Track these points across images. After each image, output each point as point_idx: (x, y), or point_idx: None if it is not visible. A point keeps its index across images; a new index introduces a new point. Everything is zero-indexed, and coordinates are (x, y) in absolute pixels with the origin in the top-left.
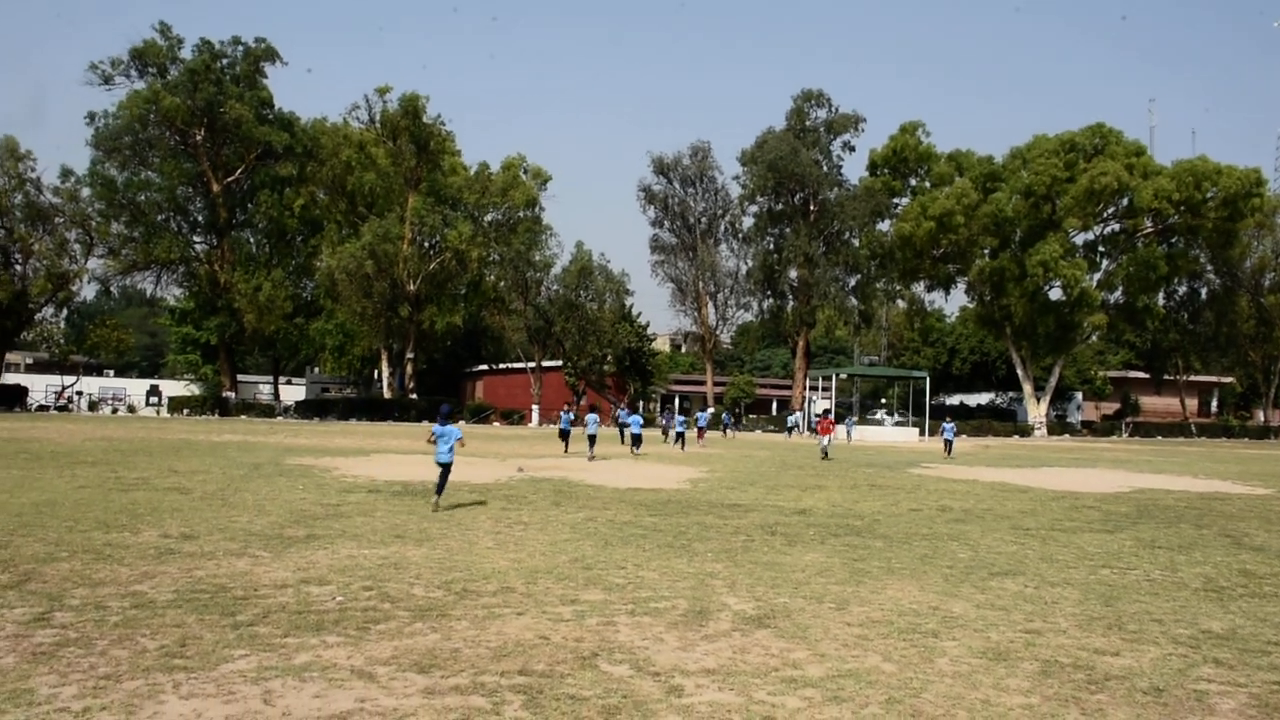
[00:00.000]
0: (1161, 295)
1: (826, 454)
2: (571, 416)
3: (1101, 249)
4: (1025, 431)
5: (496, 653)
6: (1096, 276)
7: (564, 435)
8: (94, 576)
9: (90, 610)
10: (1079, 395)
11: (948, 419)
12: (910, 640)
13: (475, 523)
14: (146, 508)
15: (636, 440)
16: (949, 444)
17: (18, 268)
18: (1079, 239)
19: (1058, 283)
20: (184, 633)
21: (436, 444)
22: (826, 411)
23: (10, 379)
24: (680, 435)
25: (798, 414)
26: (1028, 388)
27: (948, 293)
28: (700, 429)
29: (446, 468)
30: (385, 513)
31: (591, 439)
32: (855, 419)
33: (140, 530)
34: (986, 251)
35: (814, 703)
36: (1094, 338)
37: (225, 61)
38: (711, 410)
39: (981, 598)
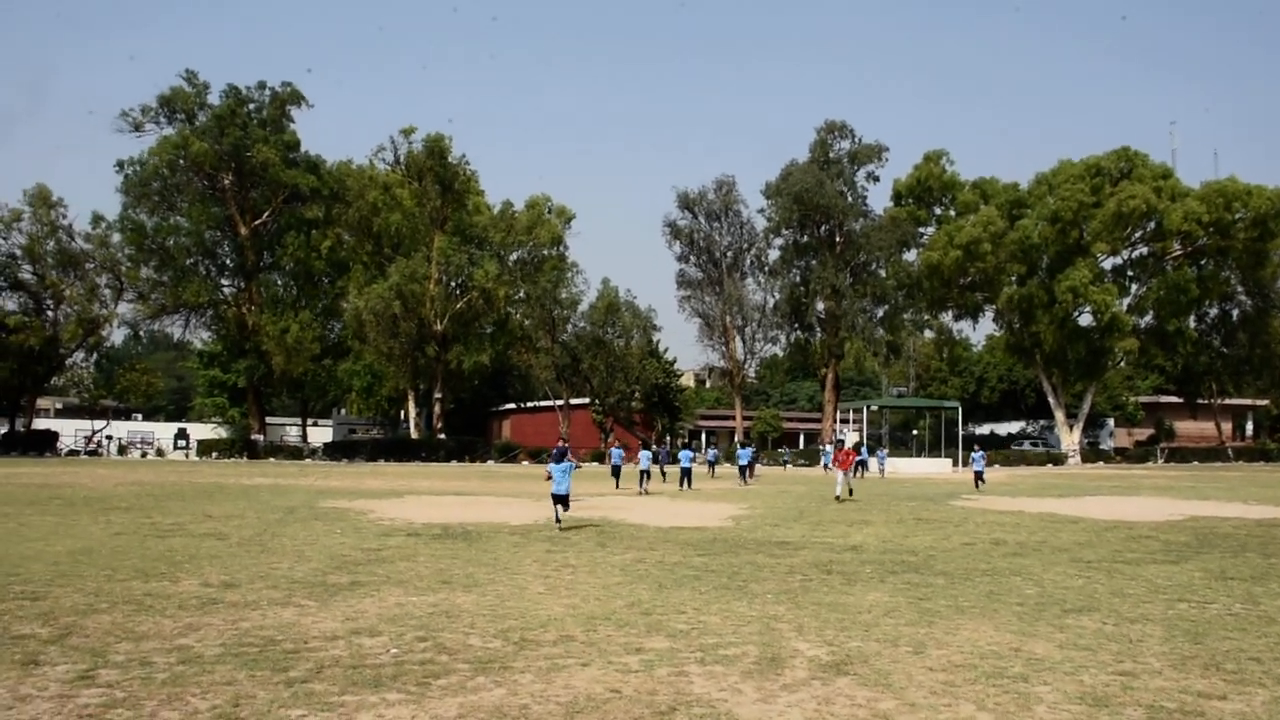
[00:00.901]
0: (1193, 318)
1: (844, 494)
2: (623, 453)
3: (1131, 273)
4: (1059, 460)
5: (569, 709)
6: (1127, 301)
7: (616, 472)
8: (136, 629)
9: (136, 667)
10: (1110, 421)
11: (976, 448)
12: (1000, 686)
13: (521, 566)
14: (184, 555)
15: (686, 475)
16: (979, 475)
17: (49, 314)
18: (1107, 263)
19: (1088, 308)
20: (236, 691)
21: (553, 478)
22: (840, 443)
23: (41, 424)
24: (687, 472)
25: (829, 447)
26: (1059, 415)
27: (975, 321)
28: (742, 467)
29: (562, 499)
30: (428, 557)
31: (644, 474)
32: (887, 450)
33: (180, 579)
34: (1014, 279)
35: None
36: (1125, 363)
37: (252, 106)
38: (752, 448)
39: (1061, 637)
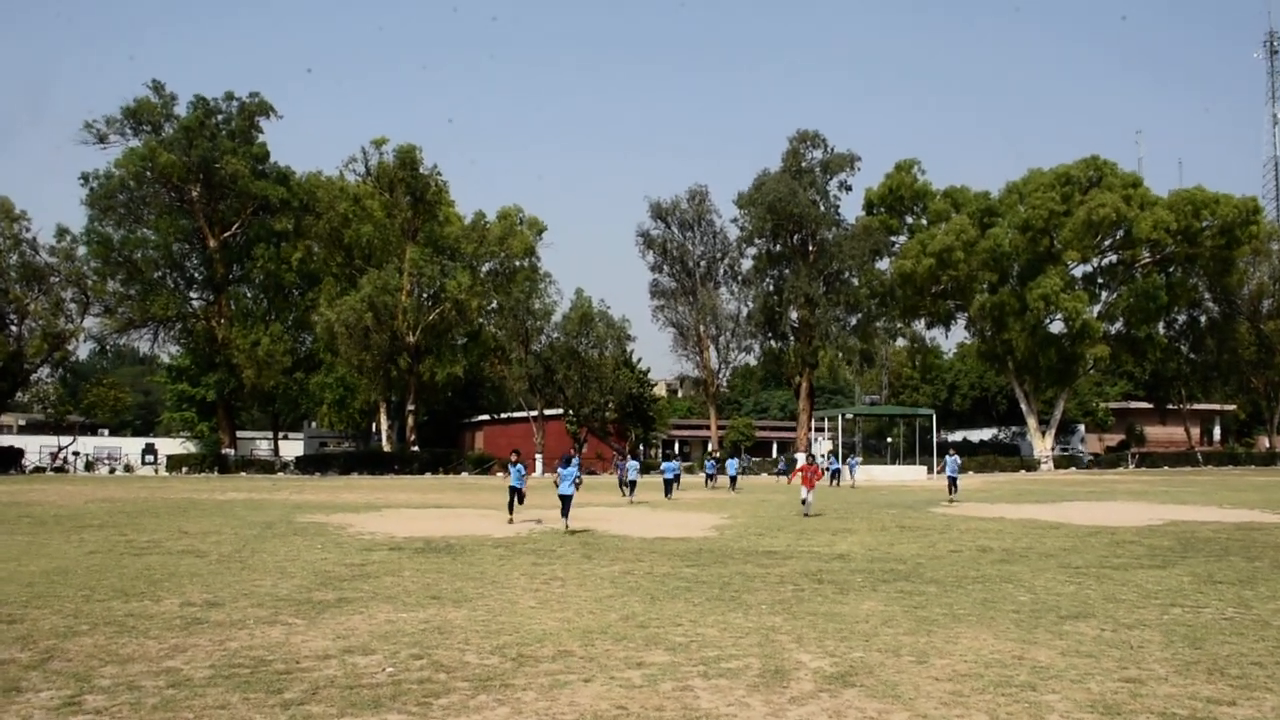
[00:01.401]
0: (1162, 324)
1: (808, 510)
2: (637, 465)
3: (1101, 280)
4: (1031, 466)
5: None
6: (1097, 308)
7: (628, 484)
8: (121, 652)
9: (124, 691)
10: (1081, 428)
11: (951, 452)
12: (1009, 695)
13: (510, 580)
14: (163, 573)
15: (669, 486)
16: (953, 482)
17: (13, 329)
18: (1078, 271)
19: (1059, 315)
20: (230, 715)
21: (560, 483)
22: (810, 456)
23: (4, 440)
24: (669, 483)
25: (802, 456)
26: (1032, 422)
27: (948, 329)
28: (733, 476)
29: (566, 499)
30: (413, 572)
31: (632, 485)
32: (859, 459)
33: (161, 598)
34: (986, 287)
35: None
36: (1095, 369)
37: (220, 117)
38: (742, 459)
39: (1062, 644)
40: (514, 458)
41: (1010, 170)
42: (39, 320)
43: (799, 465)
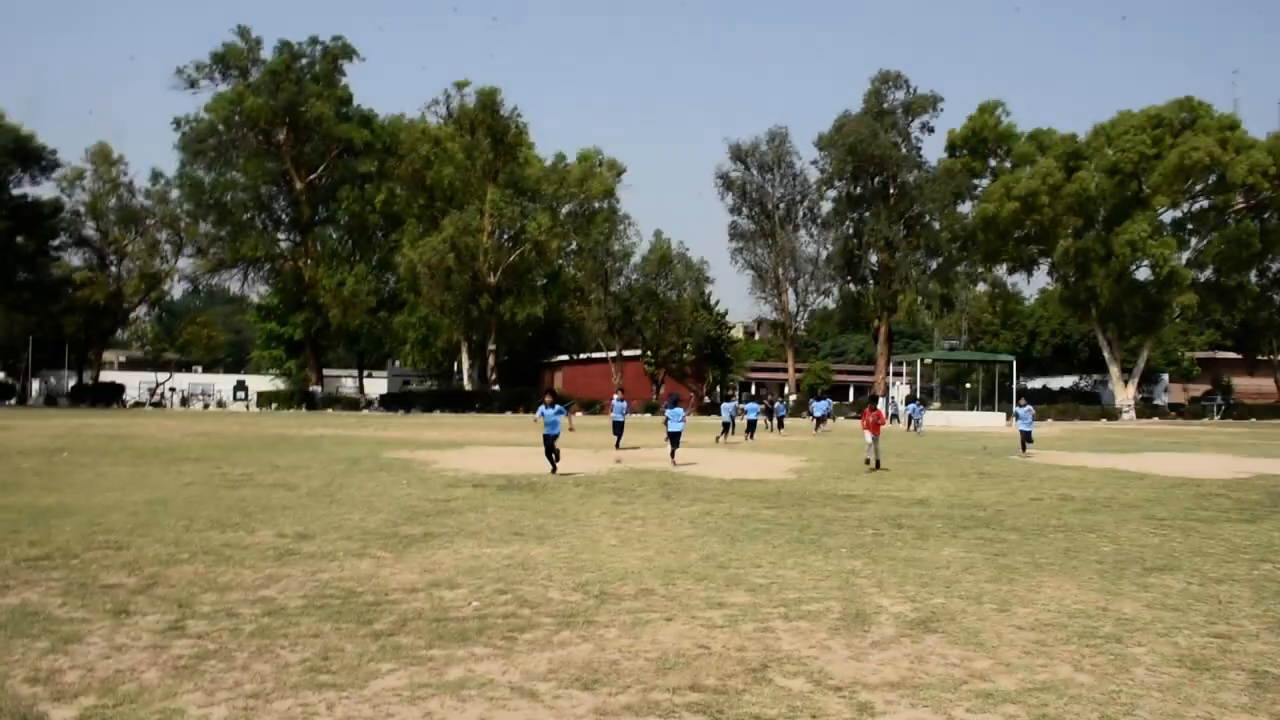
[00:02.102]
0: (1254, 273)
1: (874, 461)
2: (758, 406)
3: (1190, 226)
4: (1113, 415)
5: (659, 665)
6: (1186, 255)
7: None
8: (219, 580)
9: (223, 618)
10: (1165, 377)
11: (1021, 401)
12: (1094, 646)
13: (591, 518)
14: (256, 505)
15: (751, 427)
16: (1026, 435)
17: (113, 269)
18: (1166, 216)
19: (1146, 262)
20: (324, 644)
21: (669, 421)
22: (874, 399)
23: (107, 376)
24: (752, 425)
25: (882, 400)
26: (1114, 370)
27: (1030, 275)
28: (818, 419)
29: (675, 436)
30: (496, 508)
31: (751, 424)
32: (922, 406)
33: (255, 529)
34: (1070, 231)
35: None
36: (1182, 318)
37: (304, 61)
38: (829, 402)
39: (1147, 596)
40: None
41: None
42: (136, 261)
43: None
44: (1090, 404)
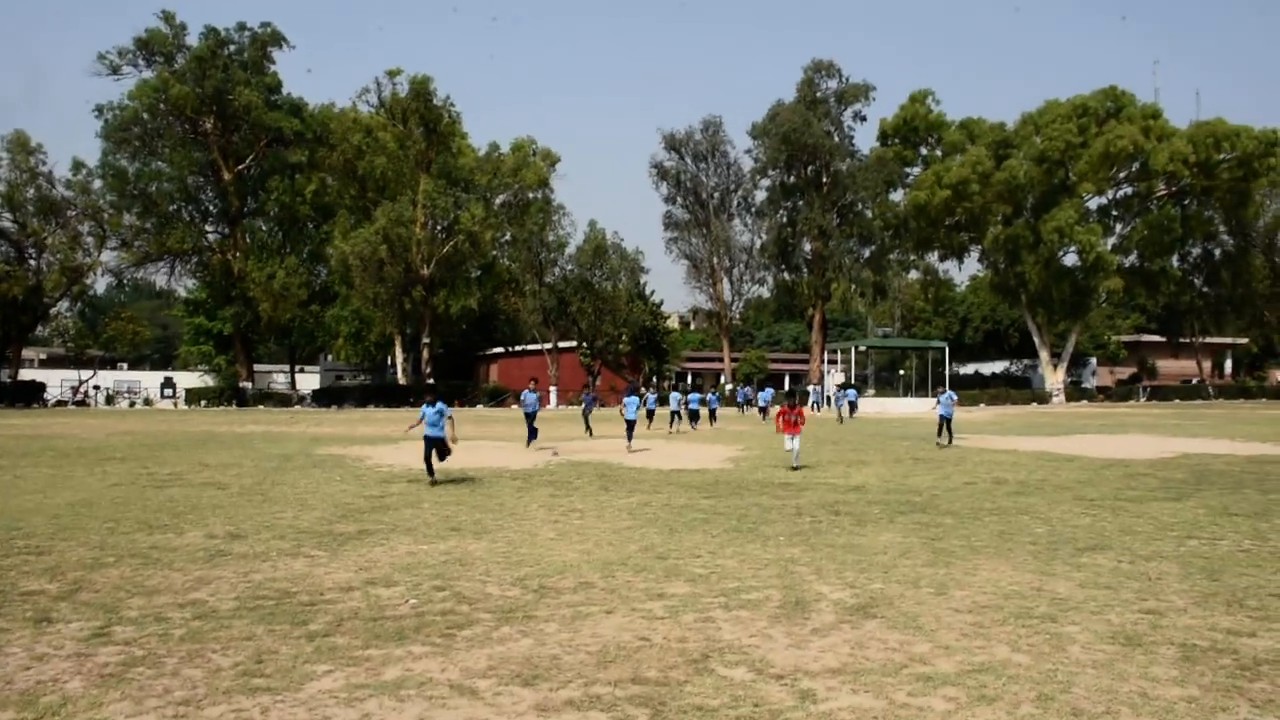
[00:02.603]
0: (1176, 257)
1: (796, 463)
2: (654, 396)
3: (1115, 213)
4: (1043, 399)
5: (599, 658)
6: (1111, 240)
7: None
8: (146, 584)
9: (151, 623)
10: (1093, 361)
11: (942, 389)
12: (1030, 627)
13: (528, 511)
14: (186, 505)
15: (694, 416)
16: (945, 421)
17: (32, 262)
18: (1093, 203)
19: (1073, 248)
20: (257, 646)
21: (625, 410)
22: (792, 394)
23: (27, 374)
24: (694, 415)
25: (815, 387)
26: (1044, 355)
27: (961, 262)
28: (762, 408)
29: (631, 424)
30: (432, 504)
31: (674, 415)
32: (857, 391)
33: (184, 530)
34: (1000, 219)
35: (961, 704)
36: (1108, 302)
37: (232, 48)
38: (771, 391)
39: (1080, 575)
40: (429, 396)
41: (1027, 101)
42: (57, 254)
43: (779, 407)
44: (1021, 388)
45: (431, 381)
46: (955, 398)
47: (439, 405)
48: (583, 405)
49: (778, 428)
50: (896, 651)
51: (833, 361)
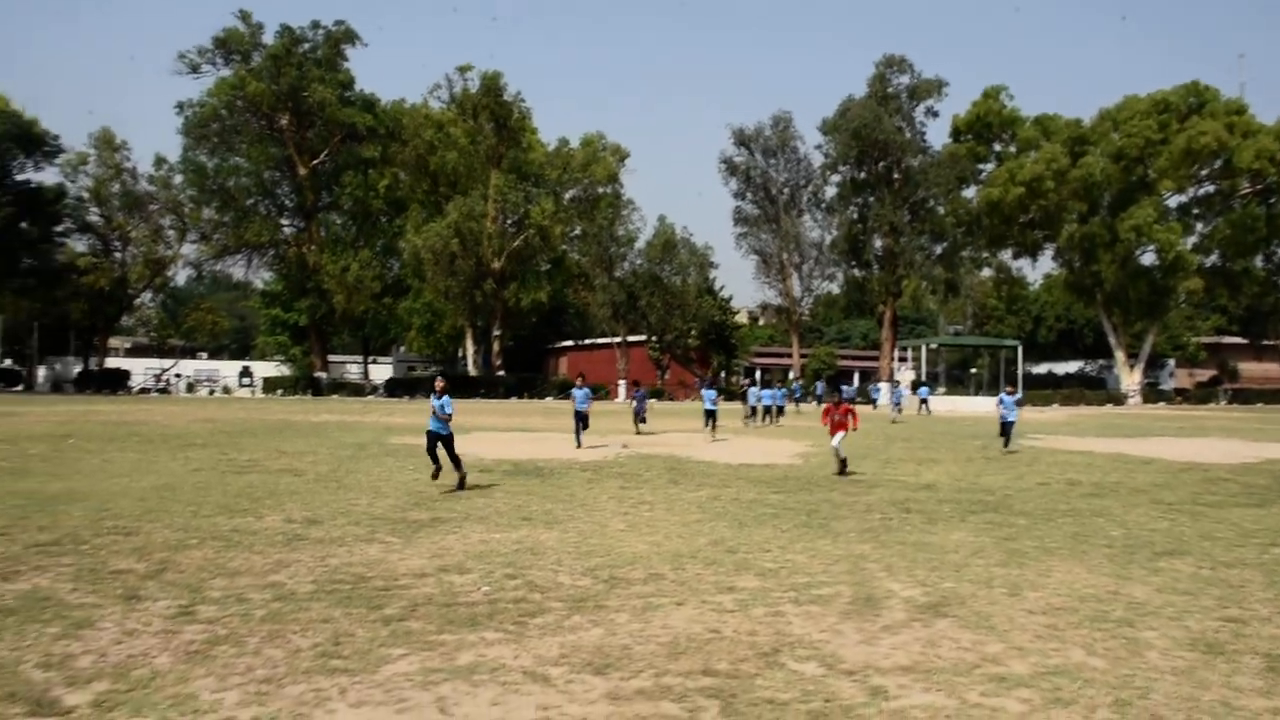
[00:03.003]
0: (1260, 257)
1: (843, 466)
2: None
3: (1196, 211)
4: (1118, 400)
5: (670, 649)
6: (1191, 240)
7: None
8: (228, 565)
9: (233, 603)
10: (1171, 362)
11: (1008, 389)
12: (1106, 630)
13: (598, 503)
14: (264, 490)
15: (767, 413)
16: (1008, 427)
17: (117, 255)
18: (1172, 201)
19: (1151, 247)
20: (334, 629)
21: (704, 400)
22: (840, 390)
23: (112, 363)
24: (768, 410)
25: (884, 385)
26: (1120, 355)
27: (1035, 260)
28: (845, 403)
29: (710, 414)
30: (503, 494)
31: (768, 410)
32: (929, 389)
33: (263, 515)
34: (1076, 217)
35: (1036, 706)
36: (1187, 303)
37: (306, 46)
38: (854, 386)
39: (1158, 580)
40: (438, 384)
41: (1104, 98)
42: (140, 247)
43: (824, 404)
44: (1095, 389)
45: (440, 370)
46: (1020, 397)
47: (445, 399)
48: (634, 404)
49: (827, 423)
50: (969, 651)
51: (903, 359)
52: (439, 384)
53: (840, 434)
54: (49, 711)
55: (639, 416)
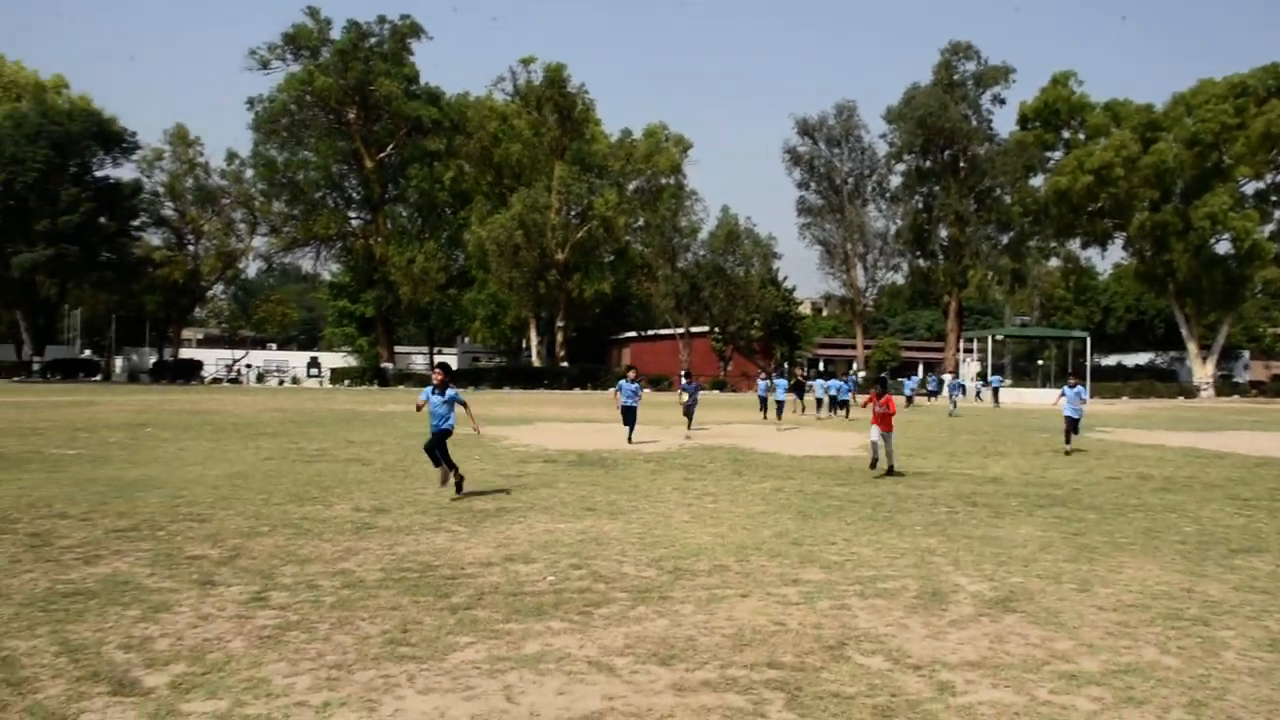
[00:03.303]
0: None
1: (886, 463)
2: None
3: (1275, 198)
4: (1190, 392)
5: (735, 641)
6: (1269, 228)
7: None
8: (299, 553)
9: (304, 590)
10: (1246, 354)
11: (1072, 381)
12: (1179, 629)
13: (662, 494)
14: (332, 479)
15: (834, 404)
16: (1073, 424)
17: (190, 248)
18: (1249, 188)
19: (1226, 235)
20: (403, 616)
21: (775, 390)
22: (883, 382)
23: (185, 353)
24: (836, 402)
25: (947, 376)
26: (1192, 347)
27: (1104, 249)
28: (908, 396)
29: (780, 404)
30: (568, 484)
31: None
32: (1000, 379)
33: (332, 503)
34: (1147, 205)
35: (1107, 705)
36: (1264, 293)
37: (373, 40)
38: (917, 378)
39: (1234, 578)
40: (437, 375)
41: (1177, 83)
42: (213, 240)
43: (867, 396)
44: (1166, 381)
45: (442, 359)
46: (1085, 395)
47: (449, 392)
48: (685, 396)
49: (872, 417)
50: (1038, 647)
51: (968, 350)
52: (437, 375)
53: (877, 429)
54: (130, 692)
55: (689, 411)
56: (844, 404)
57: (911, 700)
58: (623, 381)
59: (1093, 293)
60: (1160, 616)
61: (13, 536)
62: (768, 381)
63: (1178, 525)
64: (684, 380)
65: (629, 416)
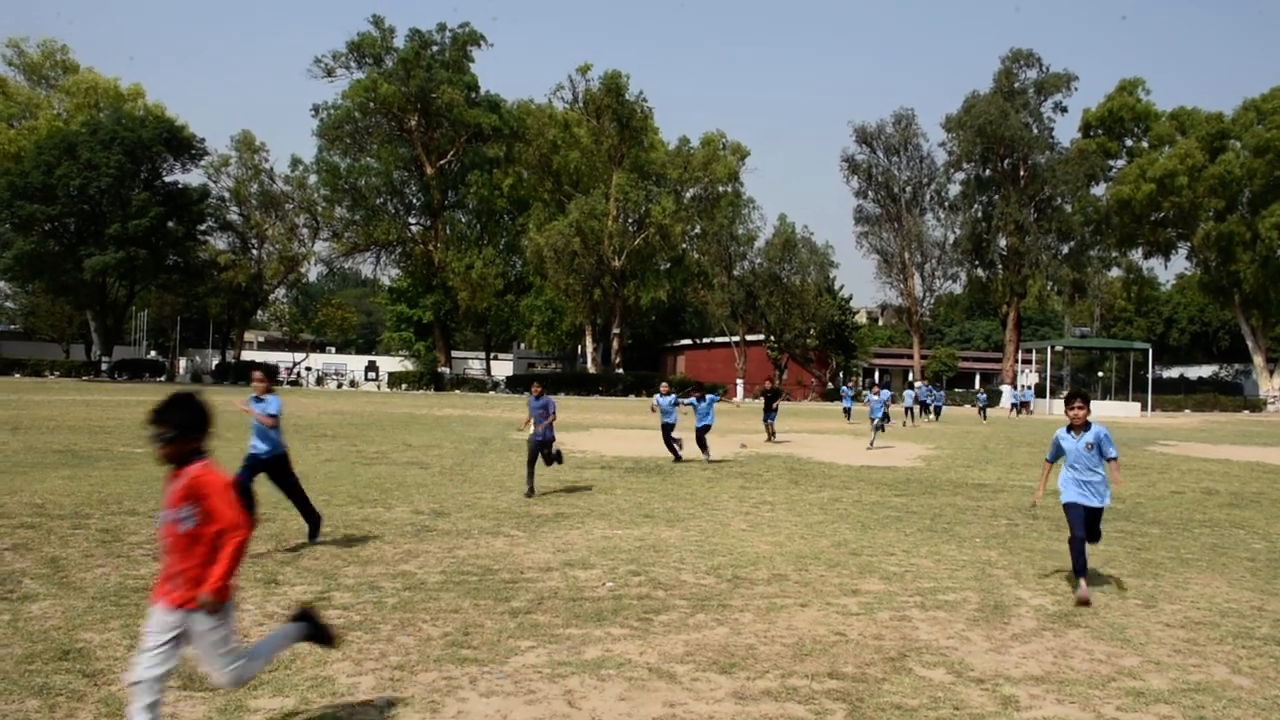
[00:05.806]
0: None
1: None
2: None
3: None
4: (1256, 406)
5: (795, 651)
6: None
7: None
8: (360, 554)
9: (366, 591)
10: None
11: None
12: (1251, 648)
13: (719, 501)
14: (392, 482)
15: (909, 413)
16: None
17: (254, 252)
18: None
19: None
20: (464, 619)
21: (843, 399)
22: (885, 383)
23: (247, 355)
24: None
25: (1007, 388)
26: (1258, 360)
27: (1167, 259)
28: (982, 409)
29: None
30: (625, 490)
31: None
32: (1022, 392)
33: (392, 506)
34: (1212, 214)
35: None
36: None
37: (435, 48)
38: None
39: None
40: (664, 388)
41: (1249, 92)
42: (276, 244)
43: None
44: (1231, 395)
45: (536, 369)
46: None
47: (544, 399)
48: (766, 411)
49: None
50: (1103, 663)
51: (1027, 361)
52: (536, 386)
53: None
54: (198, 687)
55: (768, 421)
56: (937, 409)
57: (975, 714)
58: (658, 396)
59: (1155, 304)
60: (1230, 635)
61: (85, 532)
62: (878, 397)
63: (1246, 542)
64: (767, 384)
65: (669, 436)
